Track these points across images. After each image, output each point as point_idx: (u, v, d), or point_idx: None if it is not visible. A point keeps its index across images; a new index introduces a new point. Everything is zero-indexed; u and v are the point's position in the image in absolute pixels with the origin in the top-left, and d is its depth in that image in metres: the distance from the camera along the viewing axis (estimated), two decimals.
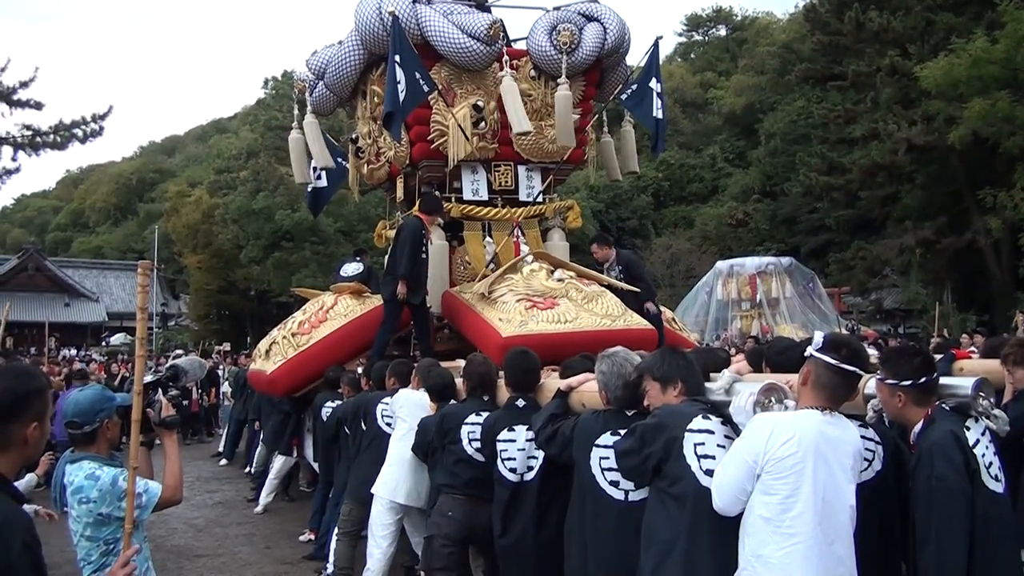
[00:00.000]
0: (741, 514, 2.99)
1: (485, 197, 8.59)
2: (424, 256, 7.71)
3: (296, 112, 9.72)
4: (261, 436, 10.73)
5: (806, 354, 3.14)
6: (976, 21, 21.56)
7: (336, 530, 6.52)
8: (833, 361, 2.99)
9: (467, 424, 4.93)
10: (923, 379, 3.18)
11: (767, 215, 38.20)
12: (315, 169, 9.95)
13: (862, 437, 3.39)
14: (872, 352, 4.45)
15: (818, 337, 3.14)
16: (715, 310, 24.36)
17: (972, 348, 9.35)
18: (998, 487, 3.16)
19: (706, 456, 3.17)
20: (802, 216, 35.29)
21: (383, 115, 7.66)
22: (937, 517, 3.03)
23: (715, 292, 24.59)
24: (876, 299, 28.15)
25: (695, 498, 3.13)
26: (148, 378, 3.57)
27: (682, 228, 40.27)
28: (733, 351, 9.46)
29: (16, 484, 2.50)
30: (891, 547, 3.57)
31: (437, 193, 8.34)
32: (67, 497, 3.26)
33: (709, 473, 3.12)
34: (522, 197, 8.74)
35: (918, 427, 3.21)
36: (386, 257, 8.25)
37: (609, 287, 7.84)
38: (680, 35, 59.95)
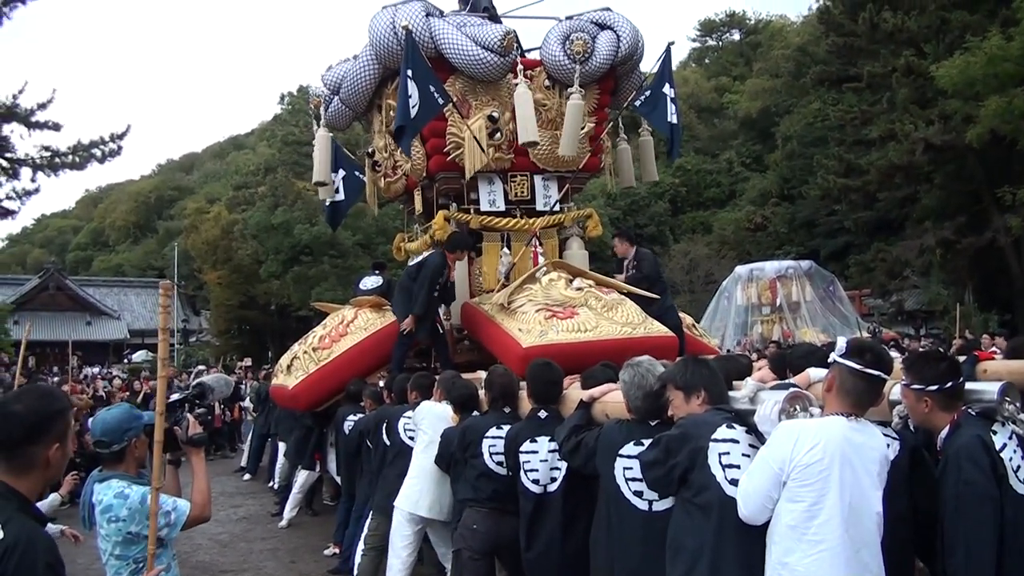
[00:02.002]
0: (767, 523, 2.97)
1: (502, 208, 8.61)
2: (436, 294, 7.76)
3: (315, 126, 9.81)
4: (283, 450, 10.77)
5: (830, 360, 3.13)
6: (991, 19, 21.39)
7: (362, 544, 6.51)
8: (858, 366, 2.98)
9: (488, 438, 4.94)
10: (949, 383, 3.18)
11: (785, 219, 38.01)
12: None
13: None
14: (894, 355, 4.45)
15: (842, 343, 3.12)
16: (735, 315, 24.27)
17: (994, 349, 9.28)
18: None
19: (731, 466, 3.16)
20: (821, 219, 35.06)
21: (394, 129, 7.70)
22: (965, 522, 3.02)
23: (735, 297, 24.52)
24: (897, 301, 27.91)
25: (720, 508, 3.12)
26: (175, 396, 3.59)
27: (700, 233, 40.14)
28: (754, 356, 9.43)
29: (39, 504, 2.51)
30: (902, 541, 3.57)
31: (462, 215, 8.38)
32: (96, 516, 3.25)
33: (734, 483, 3.10)
34: (539, 207, 8.75)
35: (944, 432, 3.20)
36: (402, 271, 8.26)
37: (628, 295, 7.83)
38: (694, 40, 59.89)
